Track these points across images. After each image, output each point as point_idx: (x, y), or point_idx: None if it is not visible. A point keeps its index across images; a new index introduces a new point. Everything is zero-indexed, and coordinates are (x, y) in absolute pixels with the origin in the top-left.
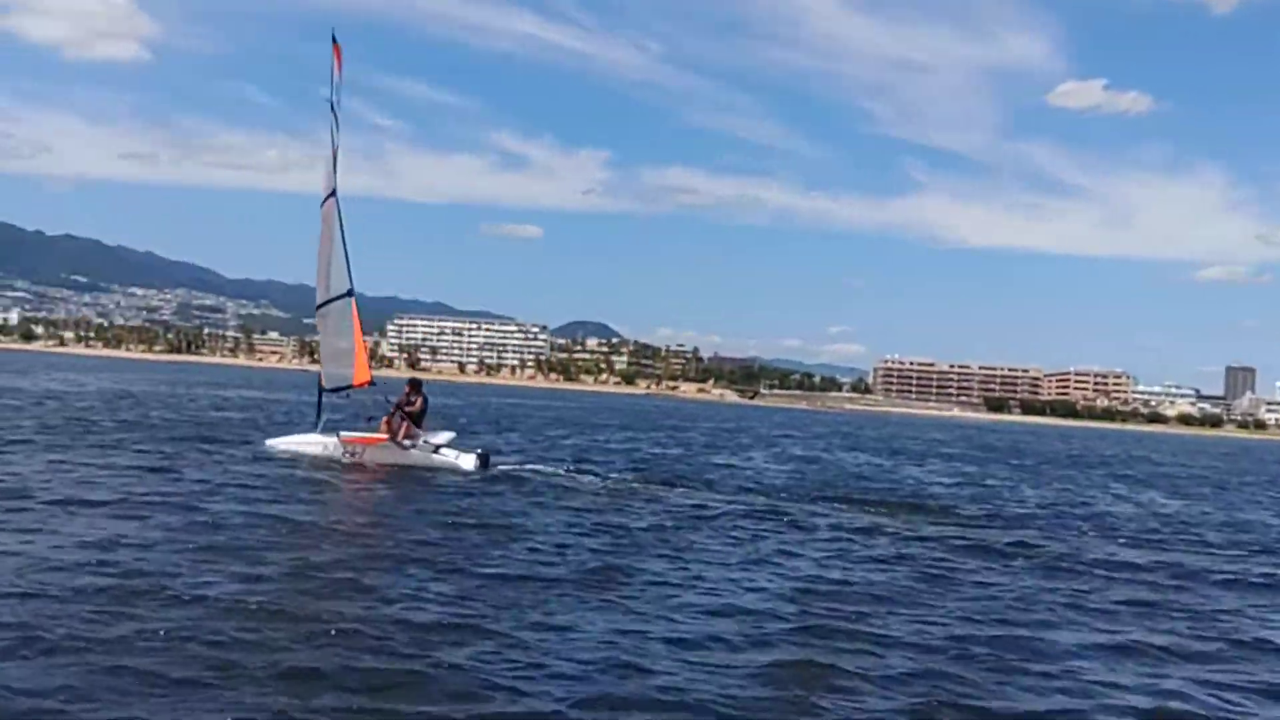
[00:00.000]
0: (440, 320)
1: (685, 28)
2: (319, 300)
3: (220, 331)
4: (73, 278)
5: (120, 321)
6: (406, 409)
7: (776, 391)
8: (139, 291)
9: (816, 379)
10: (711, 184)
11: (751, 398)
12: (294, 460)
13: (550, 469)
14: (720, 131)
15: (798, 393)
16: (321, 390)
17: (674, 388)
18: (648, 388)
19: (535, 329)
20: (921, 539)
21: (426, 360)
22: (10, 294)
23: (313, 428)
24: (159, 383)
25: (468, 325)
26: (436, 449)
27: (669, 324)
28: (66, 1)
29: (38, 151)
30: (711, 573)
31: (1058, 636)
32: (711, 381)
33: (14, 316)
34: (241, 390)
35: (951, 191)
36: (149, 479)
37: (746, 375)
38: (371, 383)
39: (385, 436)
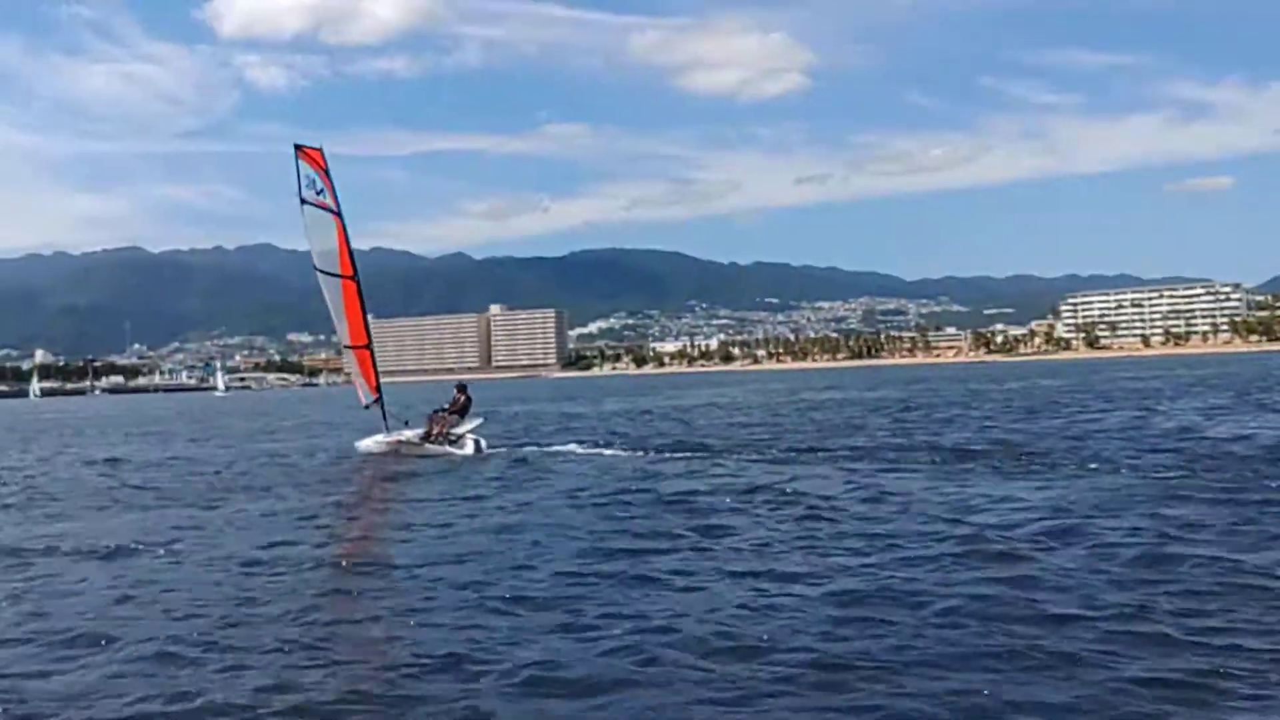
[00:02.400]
0: (1118, 294)
1: None
2: (341, 344)
3: (898, 333)
4: (766, 300)
5: (811, 335)
6: (450, 407)
7: None
8: (825, 305)
9: None
10: None
11: None
12: (366, 454)
13: (531, 449)
14: None
15: None
16: (380, 403)
17: None
18: None
19: (1227, 289)
20: None
21: (1106, 337)
22: (715, 322)
23: (385, 430)
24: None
25: (1149, 295)
26: (457, 440)
27: None
28: (731, 52)
29: (727, 191)
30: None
31: None
32: None
33: (714, 342)
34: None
35: None
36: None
37: None
38: (378, 399)
39: (398, 440)
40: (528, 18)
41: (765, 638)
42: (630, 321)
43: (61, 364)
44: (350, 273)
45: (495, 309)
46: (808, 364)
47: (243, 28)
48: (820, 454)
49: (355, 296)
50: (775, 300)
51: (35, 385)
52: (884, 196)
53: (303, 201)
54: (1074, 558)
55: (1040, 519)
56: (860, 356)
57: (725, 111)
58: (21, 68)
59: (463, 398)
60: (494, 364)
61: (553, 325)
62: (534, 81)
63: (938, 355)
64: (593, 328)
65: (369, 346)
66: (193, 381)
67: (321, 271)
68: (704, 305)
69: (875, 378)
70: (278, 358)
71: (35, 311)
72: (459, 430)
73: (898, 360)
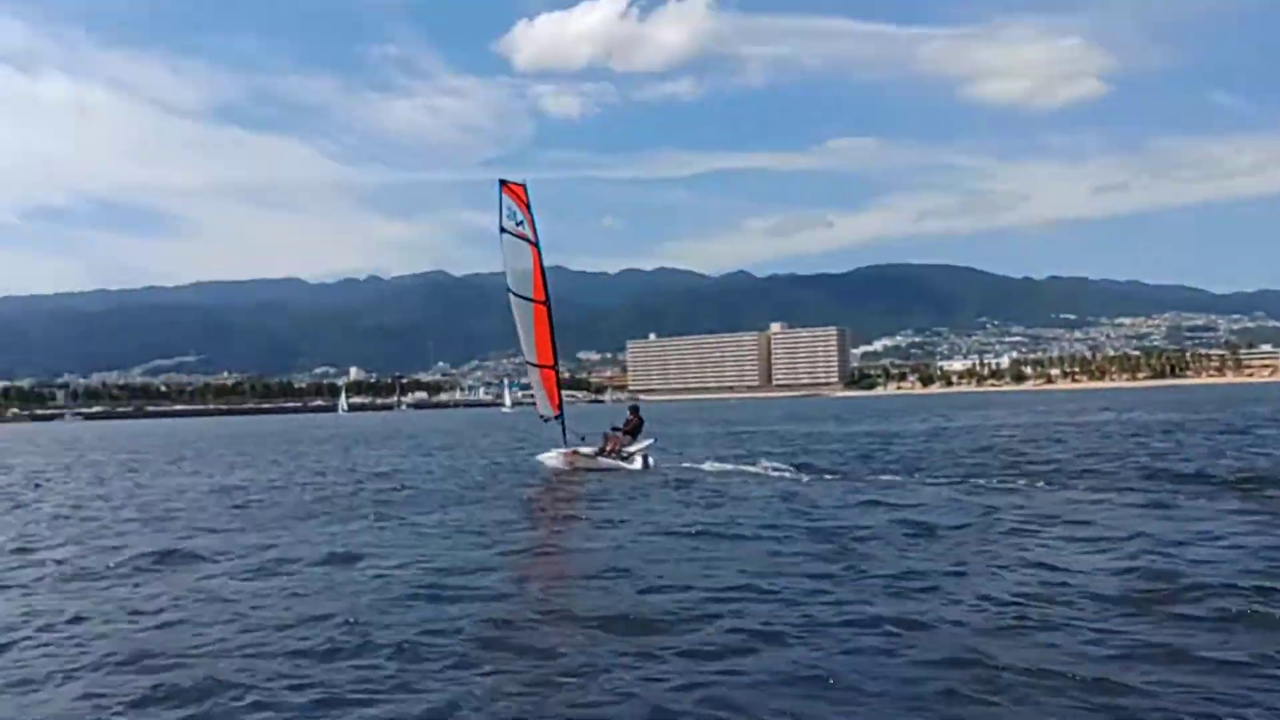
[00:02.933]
0: None
1: None
2: (527, 360)
3: (1206, 351)
4: (1061, 316)
5: (1110, 352)
6: (625, 427)
7: None
8: (1126, 321)
9: None
10: None
11: None
12: (548, 467)
13: (697, 465)
14: None
15: None
16: (561, 420)
17: None
18: None
19: None
20: None
21: None
22: (1007, 339)
23: (564, 444)
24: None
25: None
26: (628, 456)
27: None
28: (1022, 59)
29: (1018, 202)
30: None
31: None
32: None
33: (1005, 360)
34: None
35: None
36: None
37: None
38: (559, 416)
39: (574, 453)
40: (812, 33)
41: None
42: (917, 339)
43: (373, 381)
44: (542, 298)
45: (775, 327)
46: (1105, 384)
47: (536, 59)
48: (1043, 482)
49: (545, 320)
50: (1071, 316)
51: (343, 401)
52: (1190, 204)
53: (502, 230)
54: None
55: (1212, 572)
56: (1162, 375)
57: (1016, 120)
58: (336, 105)
59: (635, 419)
60: (774, 382)
61: (834, 343)
62: (818, 97)
63: (1250, 374)
64: (878, 345)
65: (554, 366)
66: (489, 398)
67: (514, 294)
68: (995, 322)
69: (1171, 399)
70: (567, 375)
71: (351, 332)
72: (630, 449)
73: (1205, 379)
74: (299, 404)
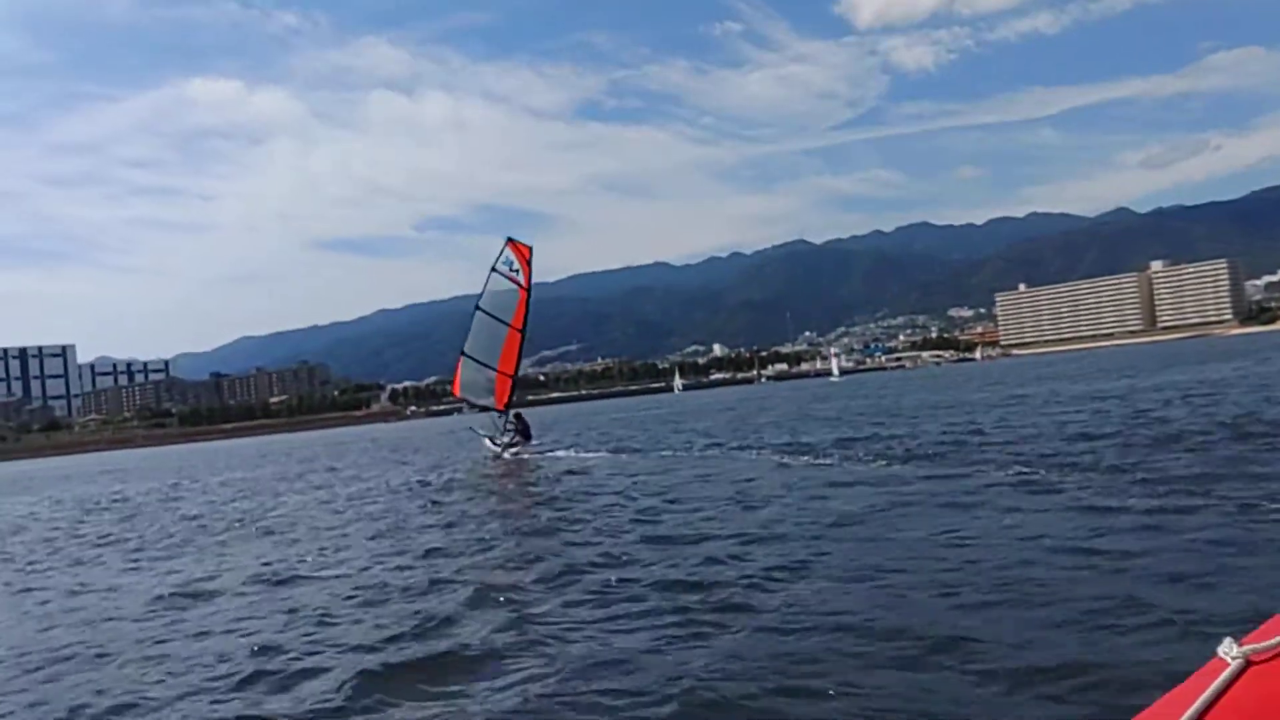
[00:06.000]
0: None
1: None
2: (485, 363)
3: None
4: None
5: None
6: (518, 428)
7: None
8: None
9: None
10: None
11: None
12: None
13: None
14: None
15: None
16: (505, 415)
17: None
18: None
19: None
20: None
21: None
22: None
23: (496, 432)
24: None
25: None
26: (504, 447)
27: None
28: None
29: None
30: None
31: None
32: None
33: None
34: None
35: None
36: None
37: None
38: (502, 412)
39: (491, 440)
40: None
41: None
42: None
43: (733, 356)
44: (520, 326)
45: (1156, 265)
46: None
47: (879, 14)
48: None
49: (516, 343)
50: None
51: (677, 380)
52: None
53: (494, 270)
54: None
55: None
56: None
57: None
58: (690, 87)
59: (519, 423)
60: (1159, 325)
61: (1224, 277)
62: (1192, 11)
63: None
64: None
65: (513, 377)
66: (849, 365)
67: (492, 316)
68: None
69: None
70: (934, 334)
71: (718, 310)
72: (510, 443)
73: None
74: (662, 384)
